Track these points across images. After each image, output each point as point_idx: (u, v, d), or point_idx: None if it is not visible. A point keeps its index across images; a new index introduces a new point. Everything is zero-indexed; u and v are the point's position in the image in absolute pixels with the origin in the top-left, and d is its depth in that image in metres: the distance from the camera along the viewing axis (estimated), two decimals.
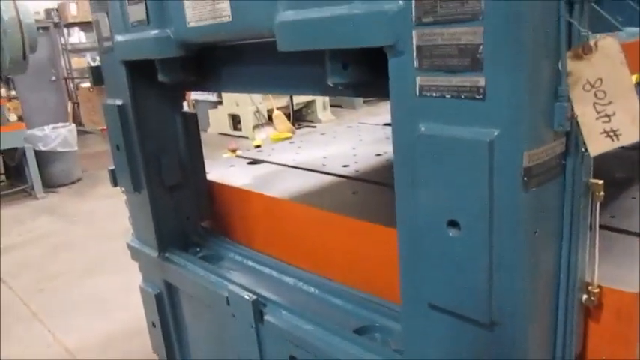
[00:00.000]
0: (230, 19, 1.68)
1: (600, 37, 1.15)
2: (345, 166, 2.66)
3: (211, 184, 2.63)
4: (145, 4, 1.98)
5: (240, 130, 11.83)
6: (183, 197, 2.53)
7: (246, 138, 11.33)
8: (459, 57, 1.13)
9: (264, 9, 1.53)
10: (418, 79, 1.21)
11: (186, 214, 2.56)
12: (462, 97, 1.14)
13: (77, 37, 13.69)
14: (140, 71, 2.24)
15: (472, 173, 1.15)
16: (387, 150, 2.90)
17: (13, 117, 8.92)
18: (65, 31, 13.30)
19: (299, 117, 12.55)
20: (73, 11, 12.63)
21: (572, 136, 1.20)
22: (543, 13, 1.09)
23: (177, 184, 2.48)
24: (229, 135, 11.92)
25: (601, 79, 1.16)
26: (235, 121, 12.03)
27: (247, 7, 1.62)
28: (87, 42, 13.62)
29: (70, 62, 13.48)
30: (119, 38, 2.20)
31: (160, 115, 2.38)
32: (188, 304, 2.55)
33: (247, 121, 11.57)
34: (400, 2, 1.19)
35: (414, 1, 1.17)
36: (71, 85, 13.51)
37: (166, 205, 2.47)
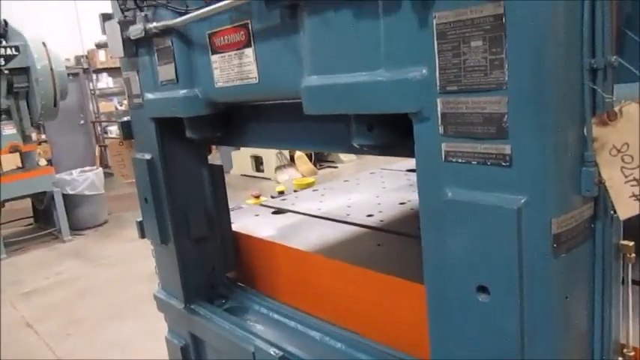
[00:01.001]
0: (257, 81, 1.74)
1: (625, 103, 1.15)
2: (369, 216, 2.67)
3: (237, 234, 2.65)
4: (175, 64, 2.06)
5: (262, 171, 11.96)
6: (209, 248, 2.55)
7: (269, 179, 11.43)
8: (484, 125, 1.14)
9: (291, 73, 1.58)
10: (444, 146, 1.22)
11: (212, 265, 2.58)
12: (488, 163, 1.15)
13: (105, 82, 14.14)
14: (168, 127, 2.31)
15: (501, 239, 1.15)
16: (411, 198, 2.90)
17: (42, 161, 9.18)
18: (94, 76, 13.75)
19: (320, 157, 12.65)
20: (101, 57, 13.08)
21: (601, 200, 1.20)
22: (567, 81, 1.10)
23: (203, 235, 2.51)
24: (252, 176, 12.05)
25: (627, 144, 1.16)
26: (258, 162, 12.17)
27: (274, 70, 1.67)
28: (114, 87, 14.05)
29: (97, 106, 13.89)
30: (149, 96, 2.28)
31: (188, 168, 2.43)
32: (214, 357, 2.54)
33: (270, 163, 11.70)
34: (424, 71, 1.22)
35: (438, 70, 1.20)
36: (99, 128, 13.88)
37: (193, 256, 2.49)
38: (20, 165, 8.32)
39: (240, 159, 12.44)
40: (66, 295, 6.30)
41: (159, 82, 2.19)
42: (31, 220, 9.43)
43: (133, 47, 2.27)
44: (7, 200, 8.19)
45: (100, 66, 13.33)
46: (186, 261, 2.46)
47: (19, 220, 9.24)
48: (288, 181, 10.28)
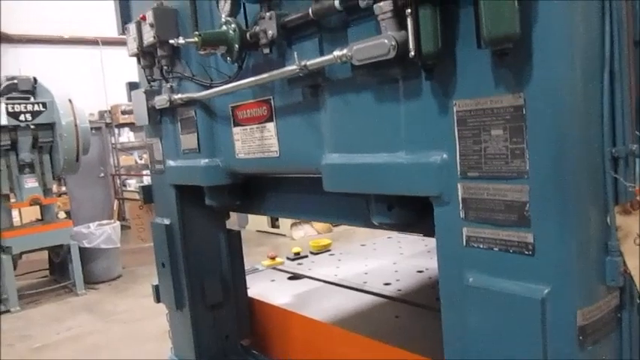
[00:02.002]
0: (277, 155, 1.77)
1: None
2: (386, 284, 2.63)
3: (252, 301, 2.63)
4: (197, 134, 2.11)
5: (278, 227, 11.93)
6: (224, 315, 2.53)
7: (284, 235, 11.39)
8: (505, 212, 1.14)
9: (311, 149, 1.61)
10: (465, 230, 1.22)
11: (225, 332, 2.55)
12: (511, 251, 1.14)
13: (126, 136, 14.45)
14: (188, 194, 2.34)
15: (524, 329, 1.12)
16: (429, 265, 2.87)
17: (61, 214, 9.28)
18: (116, 130, 14.08)
19: None
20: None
21: (627, 288, 1.17)
22: (588, 170, 1.10)
23: (218, 302, 2.49)
24: (267, 232, 12.02)
25: None
26: (274, 218, 12.16)
27: (295, 145, 1.70)
28: (135, 141, 14.35)
29: (118, 159, 14.15)
30: (171, 163, 2.32)
31: (206, 234, 2.44)
32: None
33: (285, 219, 11.68)
34: (444, 155, 1.24)
35: (458, 156, 1.21)
36: (118, 181, 14.08)
37: (207, 323, 2.46)
38: (40, 217, 8.42)
39: (256, 215, 12.41)
40: (76, 352, 6.21)
41: (181, 150, 2.24)
42: (47, 273, 9.44)
43: (157, 116, 2.33)
44: (25, 252, 8.24)
45: (122, 121, 13.66)
46: (201, 328, 2.44)
47: (34, 272, 9.26)
48: (303, 238, 10.22)
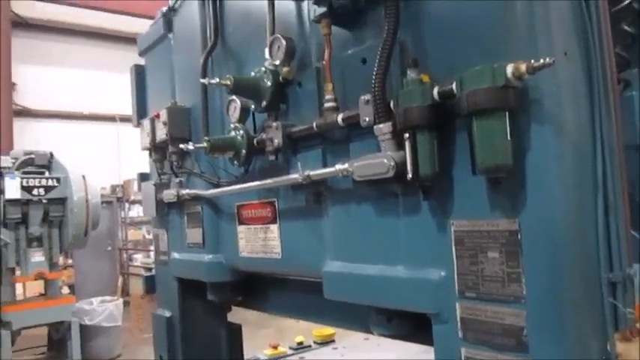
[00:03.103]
0: (280, 257, 1.78)
1: None
2: None
3: None
4: (203, 230, 2.14)
5: None
6: None
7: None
8: (503, 336, 1.13)
9: (313, 254, 1.62)
10: (463, 351, 1.20)
11: None
12: None
13: (136, 211, 14.56)
14: (191, 287, 2.33)
15: None
16: None
17: (65, 289, 9.19)
18: (126, 205, 14.21)
19: None
20: (136, 188, 13.60)
21: None
22: (586, 295, 1.10)
23: None
24: None
25: None
26: None
27: (297, 249, 1.72)
28: (144, 216, 14.44)
29: (127, 234, 14.18)
30: (175, 255, 2.34)
31: (206, 328, 2.41)
32: None
33: None
34: (443, 273, 1.24)
35: (456, 275, 1.22)
36: (124, 255, 14.05)
37: None
38: (43, 292, 8.34)
39: None
40: None
41: (186, 244, 2.26)
42: (45, 349, 9.24)
43: (165, 208, 2.38)
44: (25, 328, 8.10)
45: (133, 197, 13.82)
46: None
47: (33, 348, 9.06)
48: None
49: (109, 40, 12.78)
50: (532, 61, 1.02)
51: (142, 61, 2.79)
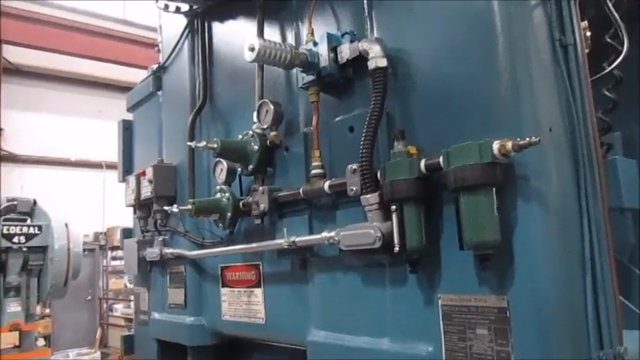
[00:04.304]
0: (264, 323, 1.73)
1: None
2: None
3: None
4: (185, 290, 2.09)
5: None
6: None
7: None
8: None
9: (298, 321, 1.58)
10: None
11: None
12: None
13: (119, 259, 14.30)
14: (172, 350, 2.25)
15: None
16: None
17: (40, 341, 8.87)
18: (109, 252, 13.95)
19: None
20: (119, 236, 13.38)
21: None
22: None
23: None
24: None
25: None
26: None
27: (281, 315, 1.67)
28: None
29: (107, 283, 13.85)
30: (156, 315, 2.27)
31: None
32: None
33: None
34: (430, 349, 1.21)
35: (444, 351, 1.18)
36: (105, 305, 13.69)
37: None
38: (17, 344, 8.04)
39: None
40: None
41: (167, 304, 2.20)
42: None
43: (147, 266, 2.33)
44: None
45: (116, 244, 13.59)
46: None
47: None
48: None
49: (99, 88, 12.89)
50: (518, 139, 1.03)
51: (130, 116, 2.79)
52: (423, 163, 1.18)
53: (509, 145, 1.03)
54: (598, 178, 1.20)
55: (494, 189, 1.07)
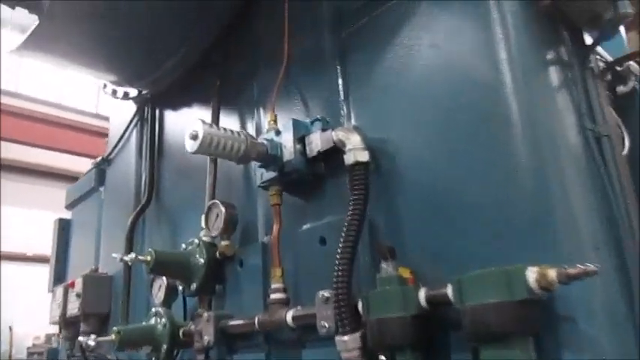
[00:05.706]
0: None
1: None
2: None
3: None
4: None
5: None
6: None
7: None
8: None
9: None
10: None
11: None
12: None
13: None
14: None
15: None
16: None
17: None
18: None
19: None
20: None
21: None
22: None
23: None
24: None
25: None
26: None
27: None
28: None
29: None
30: None
31: None
32: None
33: None
34: None
35: None
36: None
37: None
38: None
39: None
40: None
41: None
42: None
43: None
44: None
45: None
46: None
47: None
48: None
49: (56, 179, 12.42)
50: (565, 266, 0.70)
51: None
52: (422, 294, 0.84)
53: (552, 274, 0.71)
54: None
55: (530, 338, 0.73)
